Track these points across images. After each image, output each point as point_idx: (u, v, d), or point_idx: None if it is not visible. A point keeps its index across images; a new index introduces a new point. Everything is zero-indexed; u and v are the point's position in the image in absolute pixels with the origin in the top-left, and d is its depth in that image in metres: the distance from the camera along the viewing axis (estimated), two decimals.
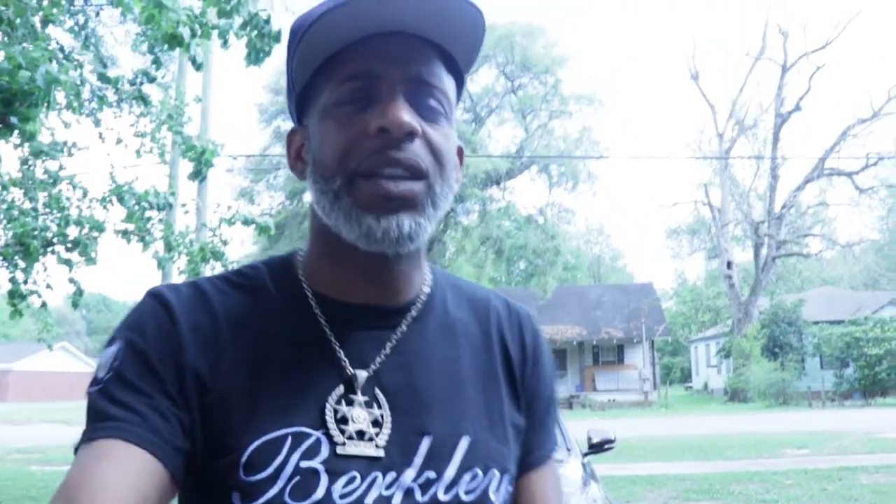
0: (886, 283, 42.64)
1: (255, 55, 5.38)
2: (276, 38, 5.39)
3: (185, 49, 4.98)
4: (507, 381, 0.99)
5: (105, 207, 7.46)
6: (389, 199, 0.84)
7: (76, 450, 0.81)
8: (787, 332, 32.93)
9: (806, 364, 32.71)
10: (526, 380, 1.01)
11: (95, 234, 7.24)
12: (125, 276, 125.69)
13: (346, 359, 0.89)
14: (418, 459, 0.87)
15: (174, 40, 4.86)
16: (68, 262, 7.18)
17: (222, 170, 31.85)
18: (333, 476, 0.83)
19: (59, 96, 5.61)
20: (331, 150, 0.87)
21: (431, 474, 0.87)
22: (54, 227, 6.99)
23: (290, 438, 0.83)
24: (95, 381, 0.84)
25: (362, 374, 0.88)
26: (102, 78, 6.57)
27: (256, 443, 0.82)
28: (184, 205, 8.17)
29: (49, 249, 7.12)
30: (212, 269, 8.21)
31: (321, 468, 0.83)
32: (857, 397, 30.49)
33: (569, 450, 4.78)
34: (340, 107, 0.87)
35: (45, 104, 4.82)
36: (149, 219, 7.60)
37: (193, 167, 7.46)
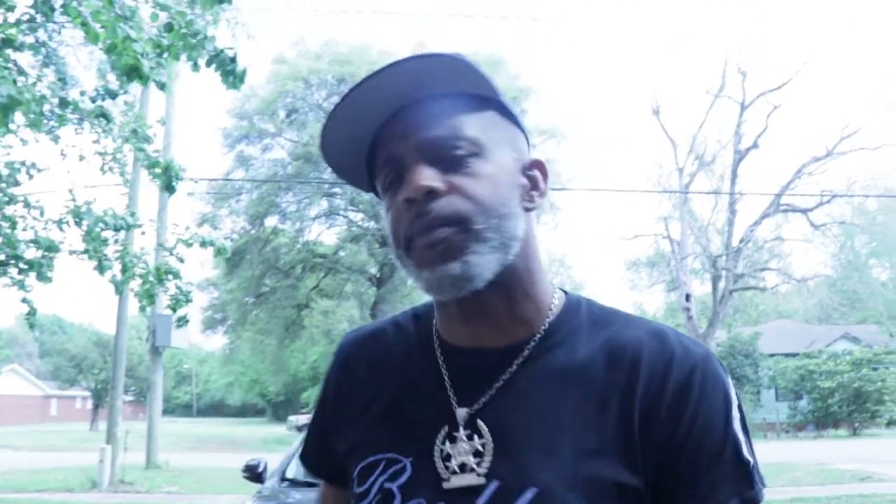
0: (839, 317, 43.55)
1: (232, 81, 5.36)
2: (241, 78, 5.34)
3: (144, 82, 4.97)
4: (619, 437, 0.92)
5: (61, 228, 7.37)
6: (431, 253, 0.93)
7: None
8: (743, 364, 33.40)
9: (761, 396, 33.17)
10: (654, 430, 0.93)
11: (51, 255, 7.14)
12: (80, 297, 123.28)
13: (454, 397, 0.98)
14: (480, 501, 0.91)
15: (134, 73, 4.86)
16: (21, 284, 7.07)
17: (183, 193, 31.55)
18: (404, 498, 0.95)
19: (18, 115, 5.55)
20: (390, 230, 1.00)
21: None
22: (7, 250, 6.88)
23: (383, 463, 0.98)
24: None
25: (462, 413, 0.96)
26: (63, 102, 6.52)
27: (361, 464, 1.01)
28: (140, 225, 8.09)
29: (1, 270, 7.00)
30: (166, 291, 8.14)
31: (397, 491, 0.96)
32: (811, 429, 30.98)
33: None
34: (385, 193, 1.00)
35: (4, 125, 4.79)
36: (105, 241, 7.52)
37: (162, 182, 7.41)
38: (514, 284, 0.98)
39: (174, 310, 8.14)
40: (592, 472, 0.91)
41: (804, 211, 33.73)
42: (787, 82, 33.67)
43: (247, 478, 4.92)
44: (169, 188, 7.43)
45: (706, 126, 36.58)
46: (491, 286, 0.94)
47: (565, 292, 1.08)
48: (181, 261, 7.92)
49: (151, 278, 7.59)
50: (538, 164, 1.05)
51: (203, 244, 7.86)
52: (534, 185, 1.03)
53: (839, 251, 56.72)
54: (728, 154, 35.47)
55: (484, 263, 0.92)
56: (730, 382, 0.99)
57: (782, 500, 11.10)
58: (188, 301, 8.15)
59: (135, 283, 7.96)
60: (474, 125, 0.97)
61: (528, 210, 1.00)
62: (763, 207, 34.18)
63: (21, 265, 6.93)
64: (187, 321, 8.46)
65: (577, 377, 0.96)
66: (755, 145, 34.04)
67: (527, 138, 1.05)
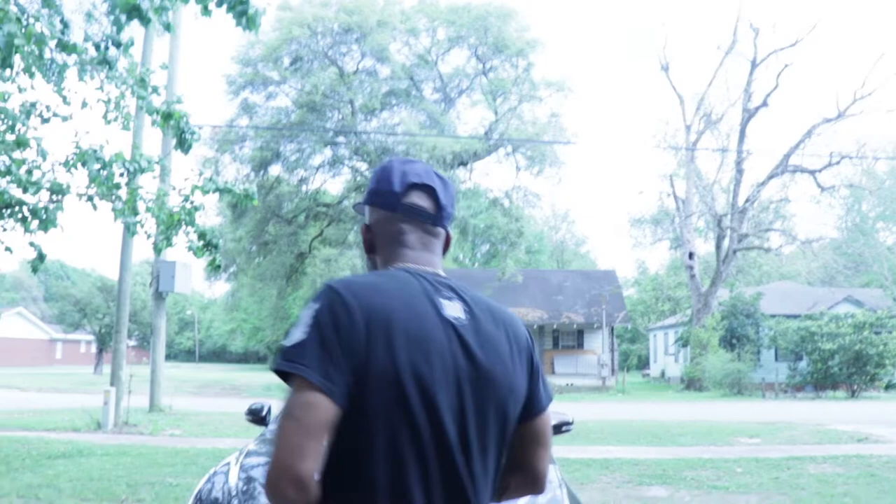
0: (843, 279, 43.57)
1: (246, 23, 5.20)
2: (255, 20, 5.19)
3: (146, 23, 4.84)
4: None
5: (69, 171, 7.29)
6: None
7: None
8: (744, 324, 33.51)
9: (761, 356, 33.35)
10: None
11: (58, 198, 7.08)
12: (83, 242, 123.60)
13: None
14: None
15: (135, 13, 4.73)
16: (25, 224, 7.02)
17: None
18: None
19: (16, 59, 5.43)
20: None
21: None
22: (16, 192, 6.80)
23: None
24: None
25: None
26: (62, 45, 6.37)
27: None
28: (153, 169, 8.01)
29: (7, 213, 6.94)
30: (185, 234, 8.09)
31: None
32: (809, 390, 31.20)
33: None
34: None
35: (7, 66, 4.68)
36: (118, 184, 7.45)
37: (175, 136, 7.31)
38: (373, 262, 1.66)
39: (197, 256, 8.07)
40: None
41: (812, 172, 33.46)
42: (800, 40, 33.17)
43: (251, 421, 4.93)
44: (182, 144, 7.34)
45: (715, 83, 36.20)
46: None
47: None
48: (196, 209, 7.84)
49: (165, 219, 7.54)
50: (363, 229, 1.65)
51: (222, 191, 7.76)
52: None
53: (846, 214, 56.66)
54: (736, 112, 35.12)
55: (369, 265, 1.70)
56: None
57: (779, 457, 11.19)
58: (214, 248, 8.06)
59: (149, 226, 7.92)
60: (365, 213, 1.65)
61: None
62: (770, 167, 33.94)
63: (27, 210, 6.87)
64: (219, 266, 8.36)
65: None
66: (765, 104, 33.65)
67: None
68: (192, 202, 7.82)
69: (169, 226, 7.79)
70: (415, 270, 1.46)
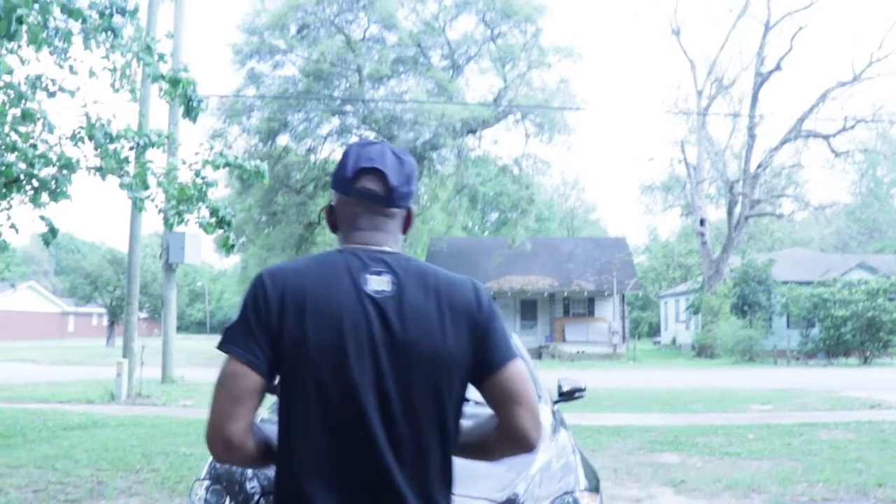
0: (856, 245, 43.28)
1: None
2: None
3: None
4: None
5: (76, 145, 7.21)
6: None
7: None
8: (756, 290, 33.37)
9: (773, 323, 33.25)
10: None
11: (66, 173, 7.02)
12: (93, 215, 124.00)
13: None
14: None
15: None
16: (35, 200, 6.97)
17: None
18: None
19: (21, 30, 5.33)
20: None
21: None
22: (22, 165, 6.74)
23: None
24: None
25: None
26: (67, 11, 6.26)
27: None
28: (164, 144, 7.93)
29: (16, 188, 6.89)
30: (197, 211, 8.01)
31: None
32: (821, 357, 31.13)
33: (539, 397, 4.78)
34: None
35: (5, 36, 4.59)
36: (126, 159, 7.38)
37: (183, 104, 7.23)
38: None
39: (208, 232, 8.00)
40: None
41: (826, 137, 33.03)
42: (815, 1, 32.57)
43: None
44: (189, 112, 7.25)
45: (727, 47, 35.79)
46: None
47: None
48: (209, 185, 7.76)
49: (176, 194, 7.48)
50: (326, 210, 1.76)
51: (233, 167, 7.67)
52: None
53: (860, 179, 56.10)
54: (749, 77, 34.62)
55: None
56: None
57: (791, 424, 11.17)
58: (229, 225, 7.99)
59: (159, 200, 7.86)
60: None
61: None
62: (783, 133, 33.54)
63: (35, 183, 6.82)
64: (232, 245, 8.26)
65: None
66: (778, 68, 33.14)
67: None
68: (203, 178, 7.75)
69: (180, 200, 7.73)
70: (352, 250, 1.59)
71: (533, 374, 5.02)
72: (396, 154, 1.66)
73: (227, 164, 7.72)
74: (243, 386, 1.46)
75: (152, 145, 7.60)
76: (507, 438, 1.56)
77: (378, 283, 1.53)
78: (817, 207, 35.22)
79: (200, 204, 7.86)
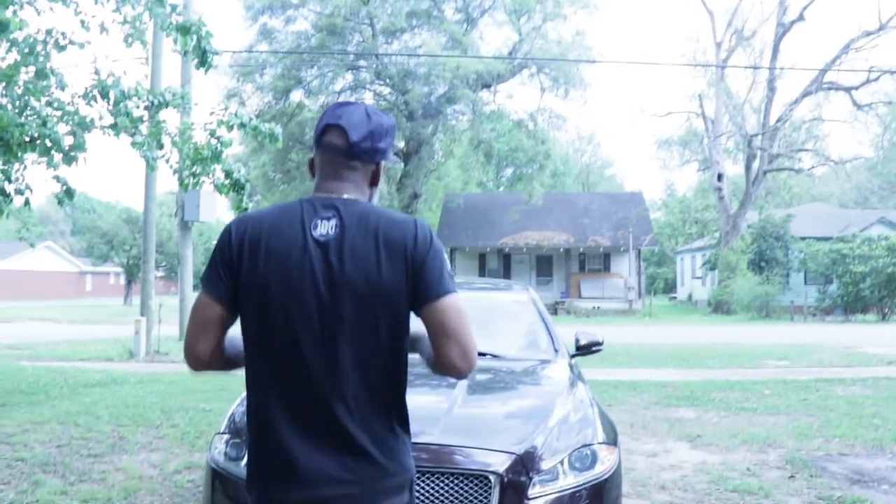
0: (877, 201, 42.72)
1: None
2: None
3: None
4: None
5: (89, 104, 7.15)
6: None
7: None
8: (773, 246, 33.11)
9: (790, 279, 33.06)
10: None
11: (81, 131, 6.97)
12: (108, 174, 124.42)
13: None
14: None
15: None
16: (49, 158, 6.93)
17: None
18: None
19: None
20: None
21: None
22: (36, 126, 6.68)
23: None
24: None
25: None
26: None
27: None
28: (178, 103, 7.86)
29: (31, 148, 6.84)
30: (212, 172, 7.99)
31: None
32: (839, 313, 30.94)
33: (556, 351, 4.76)
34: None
35: None
36: (140, 118, 7.32)
37: (196, 55, 7.14)
38: None
39: (222, 193, 7.99)
40: None
41: (848, 89, 32.38)
42: None
43: None
44: (203, 62, 7.16)
45: None
46: None
47: None
48: (224, 144, 7.71)
49: (191, 154, 7.44)
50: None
51: (247, 129, 7.61)
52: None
53: (883, 133, 55.14)
54: (770, 27, 33.98)
55: None
56: None
57: (807, 380, 11.15)
58: (242, 188, 7.98)
59: (174, 160, 7.83)
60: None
61: None
62: (804, 85, 32.91)
63: (49, 142, 6.77)
64: (246, 209, 8.22)
65: None
66: (801, 17, 32.40)
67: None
68: (219, 138, 7.70)
69: (195, 161, 7.70)
70: (310, 199, 1.80)
71: (550, 327, 5.01)
72: (368, 113, 1.84)
73: (241, 125, 7.67)
74: (208, 314, 1.77)
75: (166, 105, 7.53)
76: (439, 364, 1.72)
77: (324, 228, 1.72)
78: (837, 162, 34.71)
79: (215, 165, 7.84)
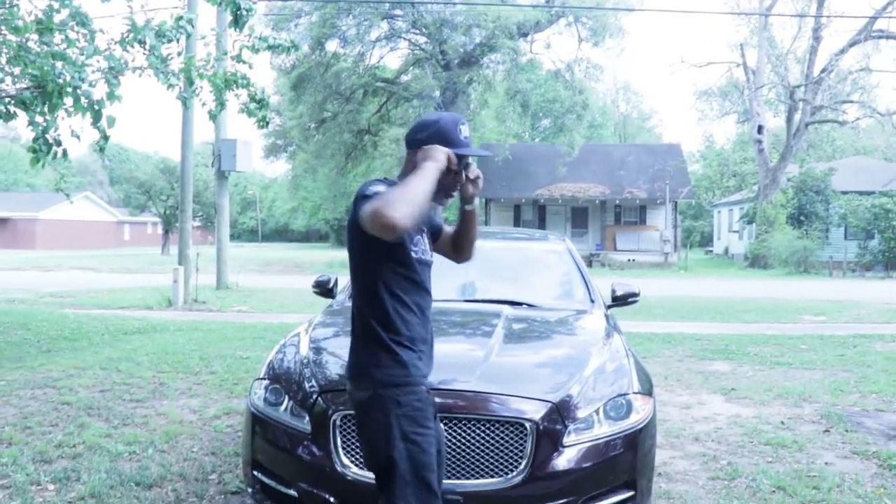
0: None
1: None
2: None
3: None
4: None
5: (126, 50, 7.15)
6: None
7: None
8: (814, 200, 32.49)
9: (830, 234, 32.48)
10: None
11: (115, 74, 6.98)
12: (144, 125, 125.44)
13: None
14: None
15: None
16: (90, 108, 6.96)
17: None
18: None
19: None
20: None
21: None
22: (68, 76, 6.69)
23: None
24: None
25: None
26: None
27: None
28: (203, 37, 7.91)
29: (68, 93, 6.87)
30: (237, 97, 8.13)
31: None
32: (879, 269, 30.38)
33: (592, 301, 4.75)
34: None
35: None
36: (167, 58, 7.32)
37: (232, 11, 7.15)
38: None
39: (249, 115, 8.24)
40: None
41: None
42: None
43: (317, 293, 4.97)
44: (237, 21, 7.18)
45: None
46: None
47: None
48: (250, 66, 7.81)
49: (219, 81, 7.50)
50: None
51: (269, 47, 7.68)
52: None
53: None
54: None
55: None
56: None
57: (845, 335, 11.02)
58: (264, 106, 8.21)
59: (205, 95, 7.89)
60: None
61: None
62: (852, 34, 31.82)
63: (83, 89, 6.78)
64: (267, 123, 8.55)
65: None
66: None
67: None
68: (245, 62, 7.78)
69: (222, 88, 7.79)
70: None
71: (586, 278, 5.00)
72: (425, 118, 2.56)
73: (268, 47, 7.74)
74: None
75: (188, 35, 7.52)
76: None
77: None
78: (884, 114, 33.66)
79: (242, 90, 8.02)
